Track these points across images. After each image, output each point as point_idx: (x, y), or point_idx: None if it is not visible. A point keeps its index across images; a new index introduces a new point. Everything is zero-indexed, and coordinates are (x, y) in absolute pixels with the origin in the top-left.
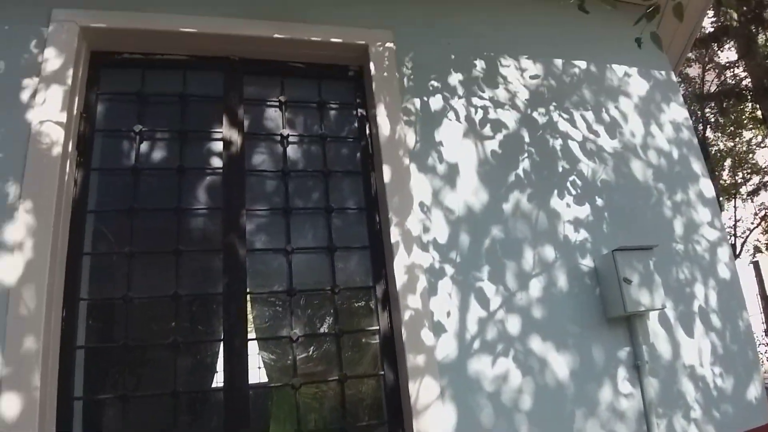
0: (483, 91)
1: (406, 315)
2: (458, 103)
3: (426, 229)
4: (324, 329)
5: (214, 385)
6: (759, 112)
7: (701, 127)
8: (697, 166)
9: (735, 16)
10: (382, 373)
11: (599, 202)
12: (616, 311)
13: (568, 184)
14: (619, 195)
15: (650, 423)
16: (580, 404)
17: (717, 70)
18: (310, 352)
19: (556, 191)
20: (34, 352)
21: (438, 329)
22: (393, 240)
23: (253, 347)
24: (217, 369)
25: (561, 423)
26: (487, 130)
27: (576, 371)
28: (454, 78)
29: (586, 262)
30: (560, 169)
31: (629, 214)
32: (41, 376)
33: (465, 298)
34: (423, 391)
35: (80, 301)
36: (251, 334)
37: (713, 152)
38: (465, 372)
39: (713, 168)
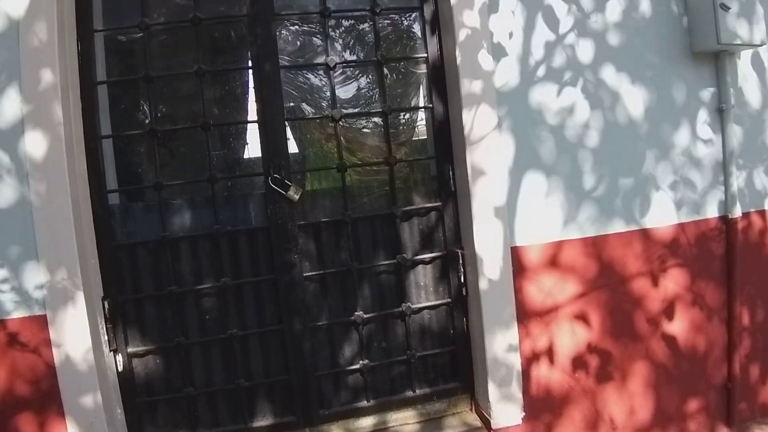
0: None
1: (462, 35)
2: None
3: None
4: (363, 57)
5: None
6: None
7: None
8: None
9: None
10: (431, 105)
11: None
12: (705, 44)
13: None
14: None
15: (728, 173)
16: (652, 145)
17: None
18: (348, 85)
19: None
20: (52, 85)
21: (498, 52)
22: None
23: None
24: (249, 101)
25: (629, 163)
26: None
27: (651, 109)
28: None
29: None
30: None
31: None
32: (63, 111)
33: (531, 16)
34: (478, 121)
35: (95, 33)
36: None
37: None
38: (526, 101)
39: None
